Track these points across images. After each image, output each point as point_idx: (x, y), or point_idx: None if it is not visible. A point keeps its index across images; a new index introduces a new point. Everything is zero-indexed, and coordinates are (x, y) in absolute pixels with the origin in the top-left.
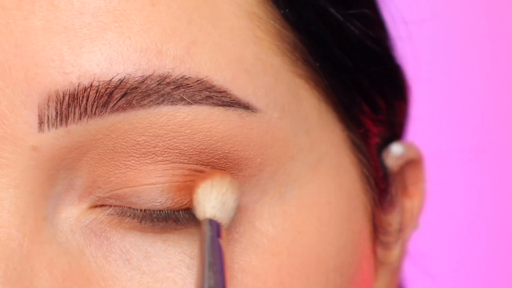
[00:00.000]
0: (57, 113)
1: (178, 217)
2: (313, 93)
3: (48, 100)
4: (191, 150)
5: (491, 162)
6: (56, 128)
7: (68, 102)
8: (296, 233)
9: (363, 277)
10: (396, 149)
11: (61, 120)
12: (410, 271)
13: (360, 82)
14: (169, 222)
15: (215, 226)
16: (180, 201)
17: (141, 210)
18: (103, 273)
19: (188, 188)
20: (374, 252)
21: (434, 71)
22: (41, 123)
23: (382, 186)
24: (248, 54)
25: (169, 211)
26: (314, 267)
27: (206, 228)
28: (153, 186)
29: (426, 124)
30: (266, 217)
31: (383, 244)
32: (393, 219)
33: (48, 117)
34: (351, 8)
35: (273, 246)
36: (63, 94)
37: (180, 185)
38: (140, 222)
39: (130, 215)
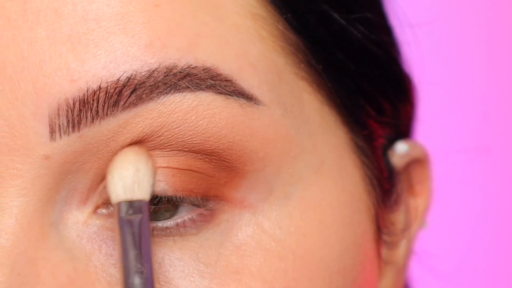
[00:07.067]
0: (68, 120)
1: (185, 226)
2: (316, 96)
3: (59, 109)
4: (195, 139)
5: (497, 161)
6: (68, 135)
7: (79, 108)
8: (301, 236)
9: (366, 278)
10: (400, 148)
11: (73, 126)
12: (416, 271)
13: (363, 85)
14: (179, 228)
15: (130, 207)
16: (174, 184)
17: None
18: (110, 280)
19: (185, 174)
20: (378, 253)
21: (439, 73)
22: (52, 132)
23: (387, 187)
24: (253, 51)
25: (164, 196)
26: (317, 270)
27: (119, 211)
28: None
29: (432, 124)
30: (273, 219)
31: (387, 244)
32: (397, 218)
33: (59, 125)
34: (354, 12)
35: (279, 249)
36: (73, 101)
37: (173, 170)
38: (152, 231)
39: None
